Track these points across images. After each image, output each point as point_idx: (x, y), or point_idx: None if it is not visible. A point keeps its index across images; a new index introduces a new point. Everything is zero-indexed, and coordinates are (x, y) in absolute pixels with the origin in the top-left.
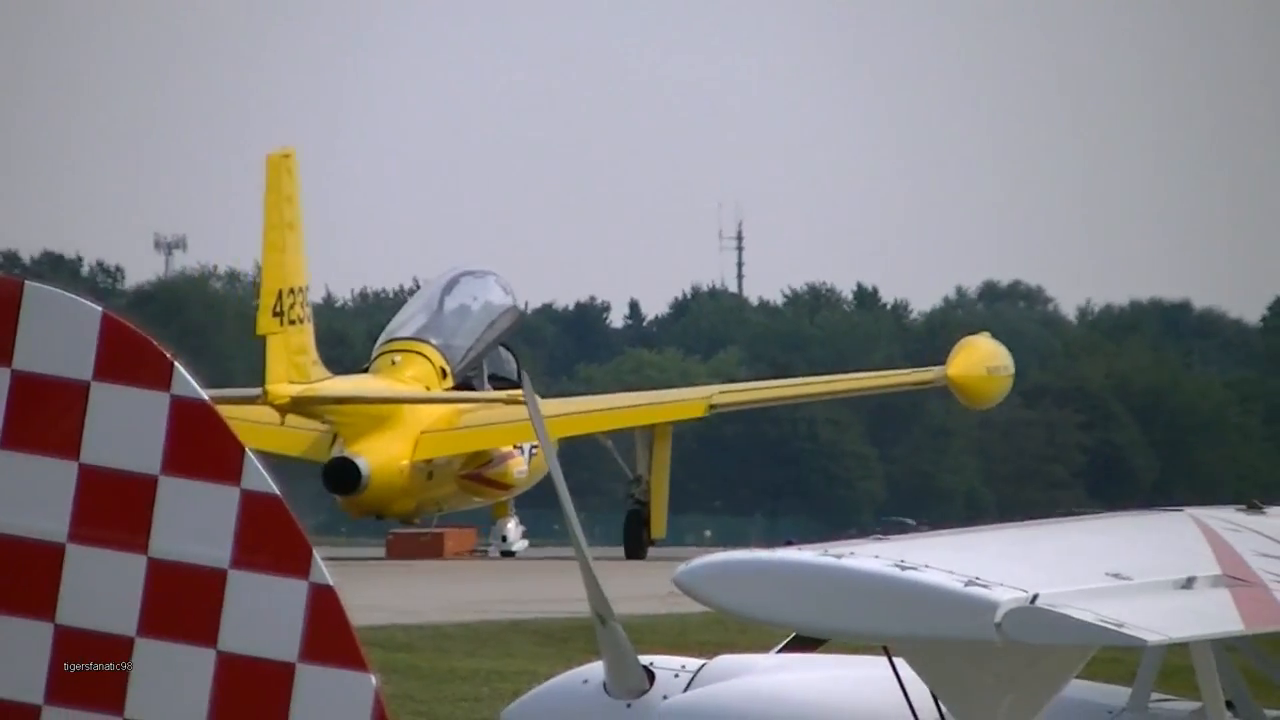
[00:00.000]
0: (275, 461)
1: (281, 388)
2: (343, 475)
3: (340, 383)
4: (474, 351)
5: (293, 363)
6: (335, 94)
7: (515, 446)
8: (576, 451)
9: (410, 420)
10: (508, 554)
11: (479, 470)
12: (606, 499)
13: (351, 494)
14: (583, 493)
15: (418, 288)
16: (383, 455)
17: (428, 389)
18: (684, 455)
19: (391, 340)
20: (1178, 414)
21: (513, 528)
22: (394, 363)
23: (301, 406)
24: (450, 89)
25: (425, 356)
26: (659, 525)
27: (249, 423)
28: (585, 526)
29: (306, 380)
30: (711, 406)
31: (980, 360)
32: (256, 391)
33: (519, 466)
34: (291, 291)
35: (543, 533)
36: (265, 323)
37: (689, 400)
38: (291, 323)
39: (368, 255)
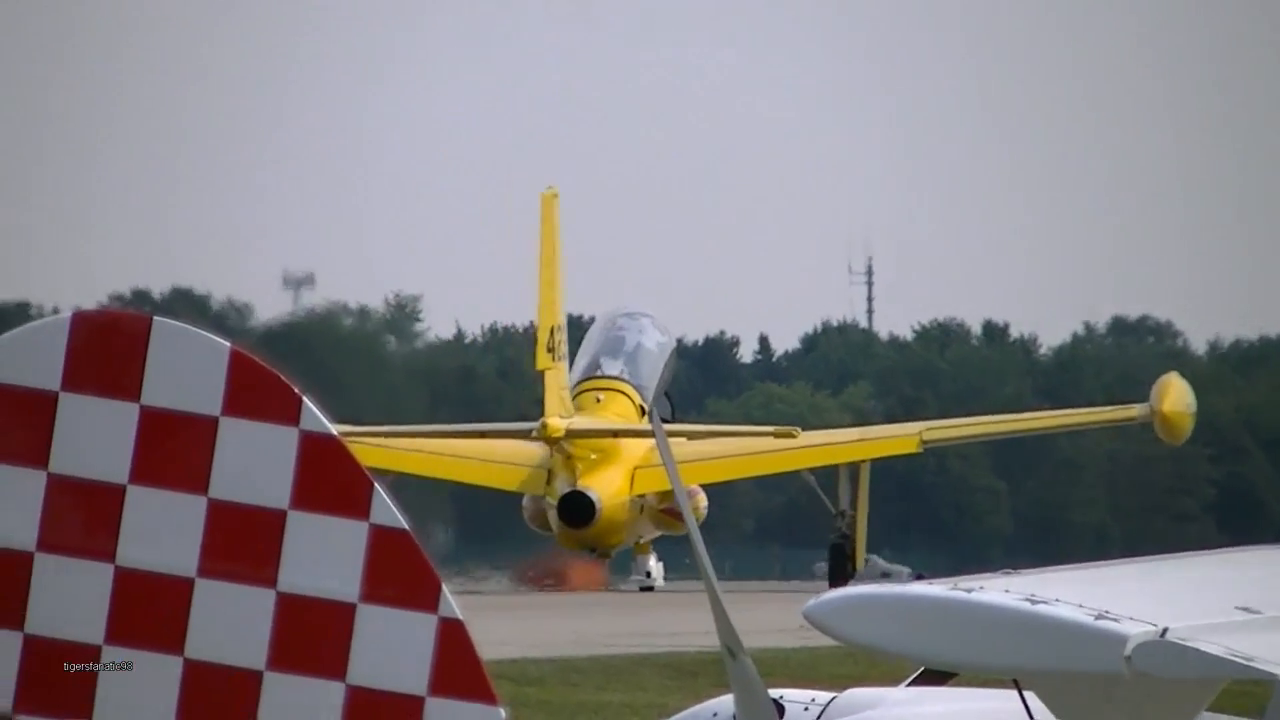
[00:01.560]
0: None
1: (557, 421)
2: (579, 509)
3: (582, 419)
4: (657, 389)
5: (560, 398)
6: (454, 126)
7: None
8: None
9: (626, 456)
10: (647, 589)
11: (672, 505)
12: (734, 532)
13: (585, 527)
14: (712, 526)
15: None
16: (609, 489)
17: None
18: (812, 490)
19: (590, 379)
20: None
21: (654, 564)
22: (598, 400)
23: (572, 440)
24: (574, 120)
25: (625, 395)
26: (859, 558)
27: (473, 459)
28: (714, 561)
29: (570, 415)
30: (924, 443)
31: (1183, 397)
32: (529, 425)
33: (703, 501)
34: (560, 328)
35: (675, 566)
36: (542, 358)
37: (901, 436)
38: (560, 359)
39: (494, 290)
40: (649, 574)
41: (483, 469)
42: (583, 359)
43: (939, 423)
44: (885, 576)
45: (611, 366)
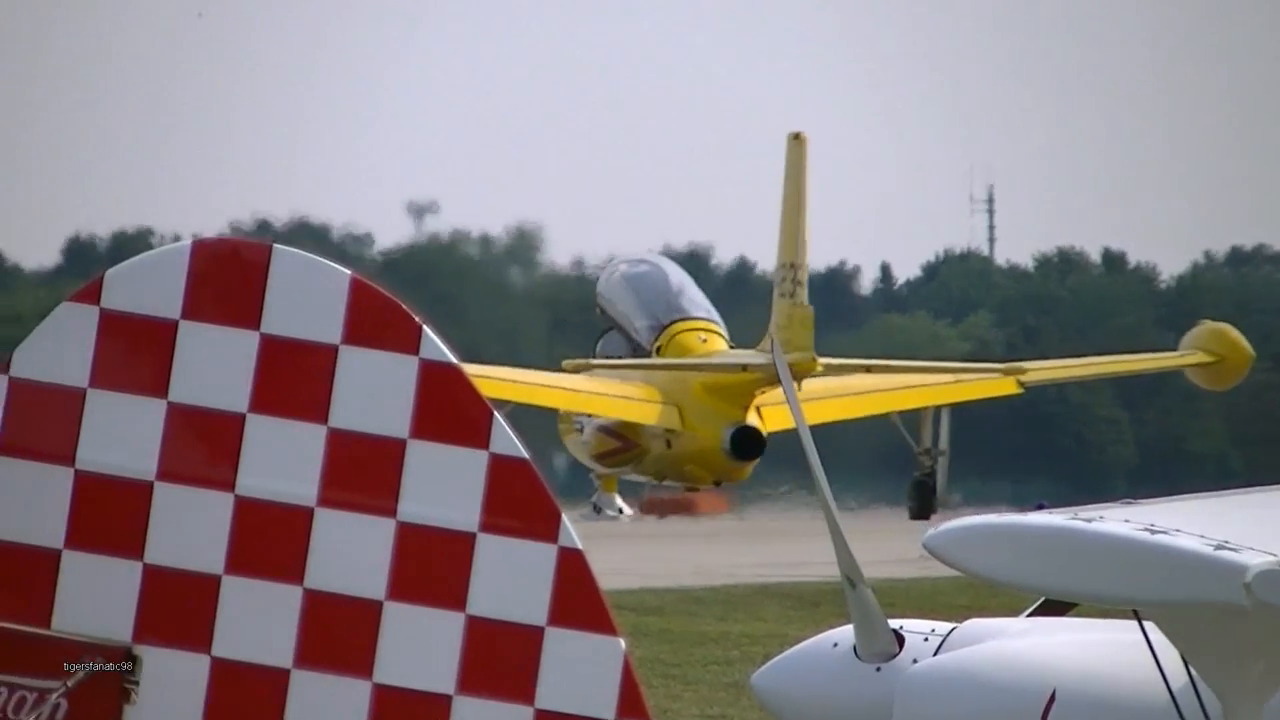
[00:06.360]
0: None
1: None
2: (753, 443)
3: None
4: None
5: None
6: (576, 55)
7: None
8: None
9: (752, 394)
10: (611, 519)
11: None
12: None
13: (754, 460)
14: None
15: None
16: (755, 422)
17: None
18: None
19: (682, 320)
20: None
21: (619, 500)
22: (703, 340)
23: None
24: (687, 47)
25: (720, 335)
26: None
27: (593, 395)
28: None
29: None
30: (1022, 384)
31: (1221, 343)
32: (764, 360)
33: None
34: (802, 266)
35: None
36: (800, 292)
37: (999, 378)
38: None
39: (604, 222)
40: (621, 510)
41: (619, 404)
42: (656, 303)
43: (1039, 364)
44: None
45: (695, 308)
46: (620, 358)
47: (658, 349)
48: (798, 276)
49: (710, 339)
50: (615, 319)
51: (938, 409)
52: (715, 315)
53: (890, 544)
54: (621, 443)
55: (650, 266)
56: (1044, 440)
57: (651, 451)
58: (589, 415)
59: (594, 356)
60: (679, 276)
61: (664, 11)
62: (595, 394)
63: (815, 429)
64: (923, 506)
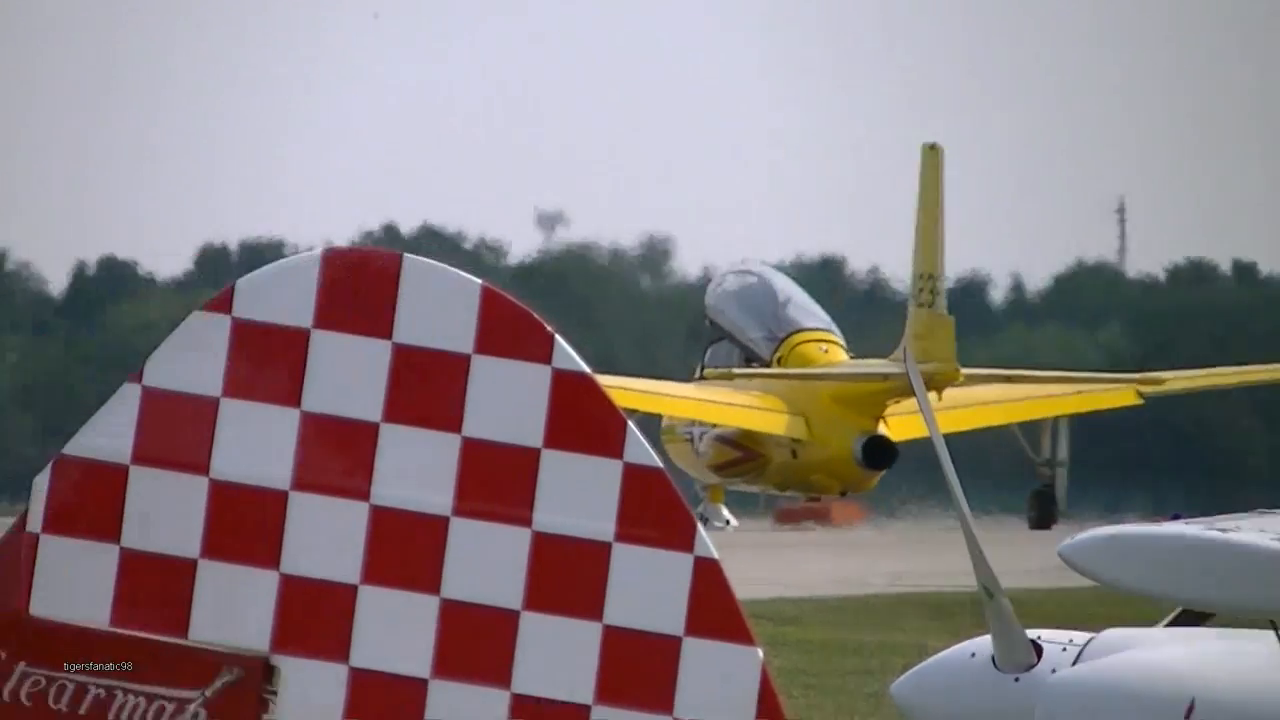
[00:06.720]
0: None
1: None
2: (885, 452)
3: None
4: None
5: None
6: (698, 65)
7: None
8: None
9: (884, 403)
10: (718, 530)
11: None
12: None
13: (885, 468)
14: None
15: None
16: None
17: None
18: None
19: (801, 331)
20: None
21: (726, 511)
22: (824, 351)
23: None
24: (805, 53)
25: (839, 345)
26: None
27: (714, 403)
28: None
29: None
30: (1142, 395)
31: None
32: (902, 370)
33: None
34: (937, 276)
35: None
36: (939, 303)
37: (1119, 390)
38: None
39: (744, 228)
40: (727, 522)
41: (748, 414)
42: (769, 314)
43: (1159, 374)
44: None
45: (812, 319)
46: (729, 368)
47: (778, 359)
48: (935, 286)
49: (831, 349)
50: (727, 330)
51: (1056, 420)
52: (832, 325)
53: (1015, 554)
54: (742, 453)
55: (757, 278)
56: (1179, 450)
57: (774, 461)
58: (712, 425)
59: (703, 367)
60: (787, 287)
61: (797, 24)
62: (726, 404)
63: None
64: (1043, 517)
